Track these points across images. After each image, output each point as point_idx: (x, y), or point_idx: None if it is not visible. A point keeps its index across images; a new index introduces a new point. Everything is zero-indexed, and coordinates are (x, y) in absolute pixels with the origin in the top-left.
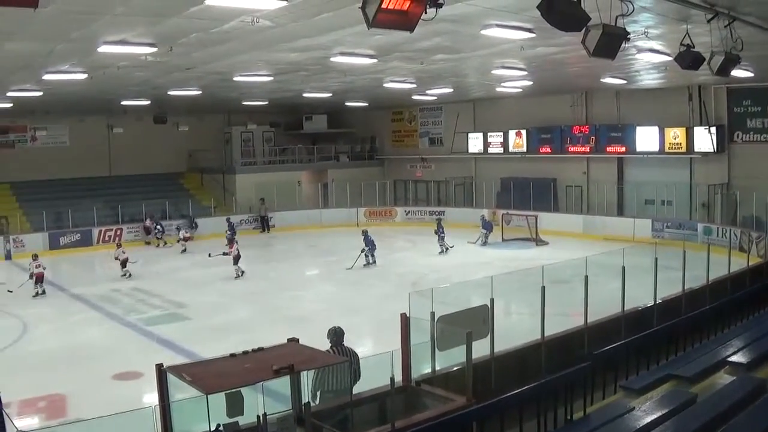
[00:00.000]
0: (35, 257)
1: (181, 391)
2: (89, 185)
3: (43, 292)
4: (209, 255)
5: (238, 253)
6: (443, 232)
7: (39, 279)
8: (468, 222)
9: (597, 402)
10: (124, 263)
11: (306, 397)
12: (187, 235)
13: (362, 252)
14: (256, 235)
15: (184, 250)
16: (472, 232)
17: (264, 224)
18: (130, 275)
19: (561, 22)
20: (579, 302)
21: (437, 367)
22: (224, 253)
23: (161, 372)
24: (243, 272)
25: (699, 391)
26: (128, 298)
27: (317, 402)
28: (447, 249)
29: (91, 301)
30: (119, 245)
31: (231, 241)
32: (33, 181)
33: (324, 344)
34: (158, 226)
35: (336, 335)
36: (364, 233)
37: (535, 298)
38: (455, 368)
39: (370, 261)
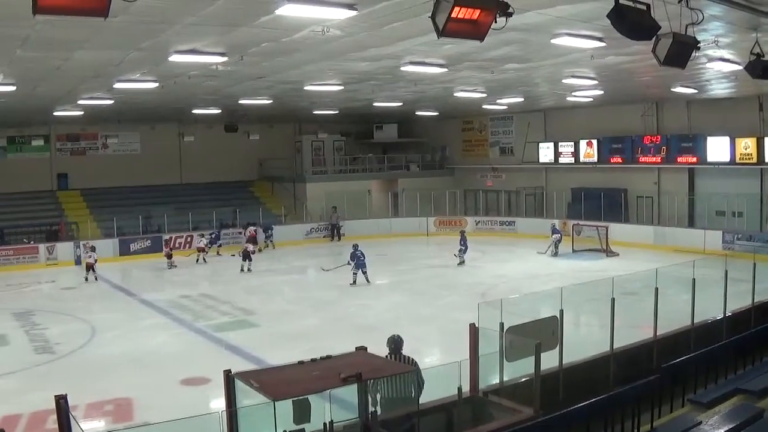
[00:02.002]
0: (93, 248)
1: (249, 398)
2: (160, 192)
3: (95, 279)
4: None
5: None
6: (465, 245)
7: (89, 267)
8: (538, 232)
9: (664, 415)
10: (169, 256)
11: (373, 405)
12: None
13: (348, 264)
14: (326, 243)
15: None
16: (543, 242)
17: (335, 232)
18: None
19: (631, 31)
20: (648, 314)
21: (505, 378)
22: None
23: (229, 378)
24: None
25: (766, 406)
26: (197, 304)
27: (378, 408)
28: (462, 261)
29: (160, 307)
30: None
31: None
32: (103, 188)
33: None
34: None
35: (395, 343)
36: (354, 247)
37: (604, 309)
38: (523, 379)
39: (359, 278)
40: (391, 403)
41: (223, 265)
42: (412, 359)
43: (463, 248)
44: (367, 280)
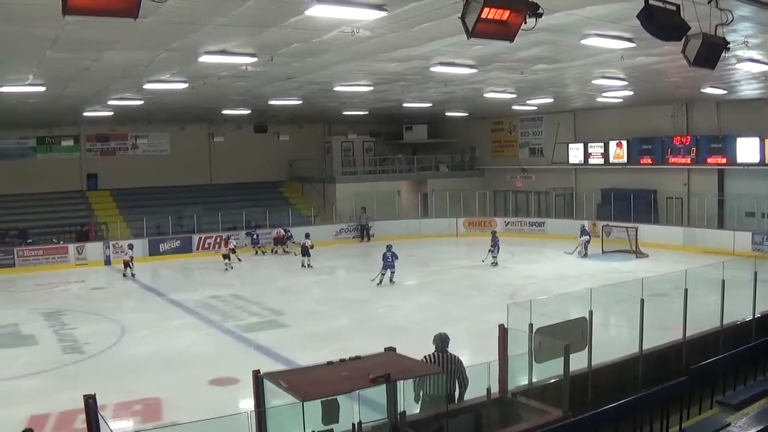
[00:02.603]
0: (130, 246)
1: (277, 398)
2: (190, 193)
3: (132, 275)
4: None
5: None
6: (496, 246)
7: (125, 264)
8: (568, 233)
9: (693, 417)
10: (226, 256)
11: (402, 406)
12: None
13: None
14: (355, 244)
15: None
16: (572, 243)
17: (364, 233)
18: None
19: (661, 32)
20: (678, 316)
21: (534, 379)
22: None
23: (258, 378)
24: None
25: None
26: (226, 304)
27: (418, 403)
28: (494, 263)
29: (189, 307)
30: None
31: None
32: (133, 188)
33: (421, 353)
34: (254, 235)
35: (441, 341)
36: (388, 248)
37: (633, 311)
38: (552, 380)
39: (383, 279)
40: (434, 401)
41: (254, 265)
42: (458, 357)
43: (495, 248)
44: (391, 281)
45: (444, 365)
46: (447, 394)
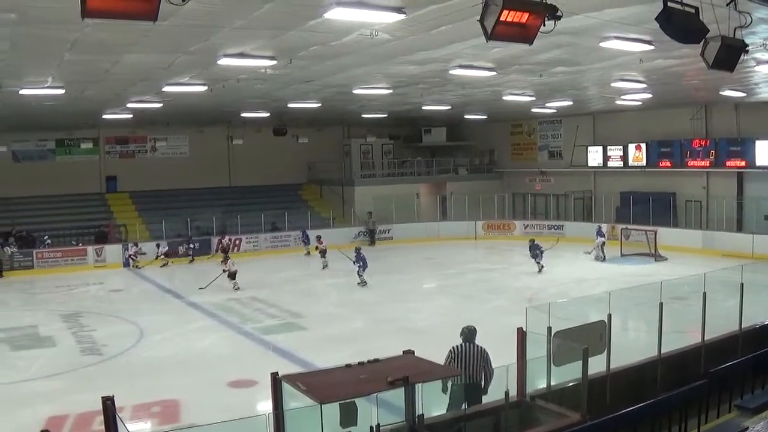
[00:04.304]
0: (158, 246)
1: (296, 400)
2: (209, 195)
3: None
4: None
5: (235, 267)
6: (538, 250)
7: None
8: (587, 236)
9: (711, 421)
10: (233, 275)
11: (420, 409)
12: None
13: (358, 269)
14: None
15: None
16: (592, 245)
17: (371, 237)
18: (239, 288)
19: (679, 34)
20: (696, 319)
21: (552, 383)
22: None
23: (276, 380)
24: (238, 287)
25: None
26: (245, 307)
27: (446, 393)
28: (541, 267)
29: (208, 310)
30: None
31: (226, 260)
32: (152, 191)
33: (439, 356)
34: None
35: (469, 333)
36: (357, 250)
37: (652, 314)
38: (570, 384)
39: (360, 281)
40: (455, 387)
41: (274, 267)
42: (484, 349)
43: (539, 253)
44: (362, 282)
45: (471, 356)
46: (475, 384)
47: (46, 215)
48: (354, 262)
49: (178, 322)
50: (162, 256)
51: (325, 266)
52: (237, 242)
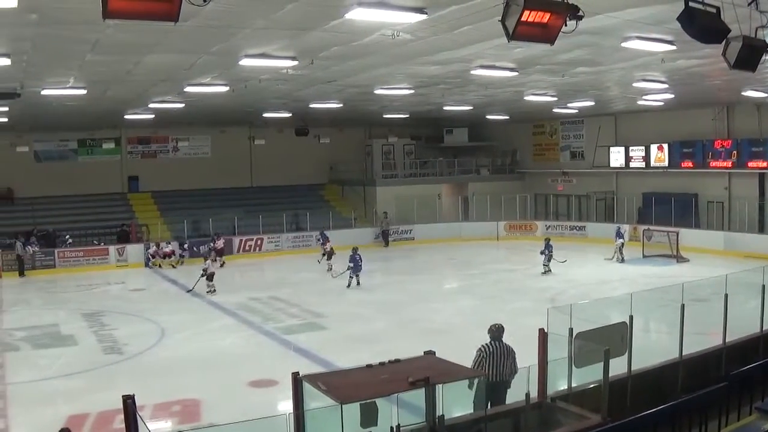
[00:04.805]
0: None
1: (316, 400)
2: (230, 195)
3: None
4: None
5: (213, 268)
6: (551, 252)
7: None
8: (609, 237)
9: (731, 423)
10: (210, 277)
11: (440, 409)
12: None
13: (348, 269)
14: (378, 249)
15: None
16: (612, 247)
17: (384, 238)
18: (214, 290)
19: (701, 34)
20: (718, 321)
21: (573, 384)
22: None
23: (297, 380)
24: (214, 290)
25: None
26: (266, 307)
27: (472, 390)
28: (548, 270)
29: (229, 309)
30: (214, 259)
31: (215, 260)
32: (174, 191)
33: (460, 357)
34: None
35: (497, 331)
36: (353, 250)
37: (674, 316)
38: (591, 386)
39: (353, 282)
40: (488, 388)
41: (293, 268)
42: (511, 347)
43: (548, 254)
44: (358, 283)
45: (501, 354)
46: (503, 381)
47: (67, 215)
48: (348, 267)
49: (199, 321)
50: (179, 257)
51: (330, 269)
52: (259, 242)
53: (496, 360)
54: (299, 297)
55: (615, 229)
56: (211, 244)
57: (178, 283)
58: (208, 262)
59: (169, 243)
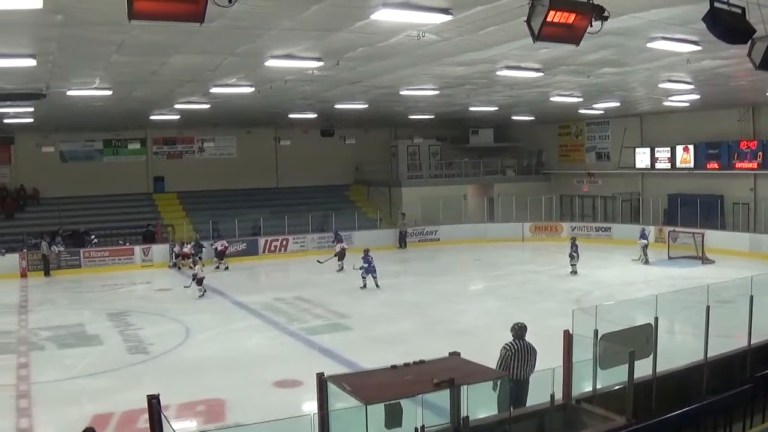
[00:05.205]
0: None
1: (341, 401)
2: (256, 196)
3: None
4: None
5: (203, 273)
6: (576, 253)
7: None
8: (634, 239)
9: (756, 426)
10: (200, 281)
11: (465, 411)
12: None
13: (360, 268)
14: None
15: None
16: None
17: (401, 240)
18: (204, 293)
19: (726, 35)
20: (743, 323)
21: (598, 386)
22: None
23: (322, 381)
24: (204, 294)
25: None
26: (291, 307)
27: (496, 391)
28: (575, 271)
29: (254, 309)
30: (195, 264)
31: (195, 262)
32: (200, 191)
33: (485, 358)
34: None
35: (520, 329)
36: (365, 252)
37: (699, 317)
38: (616, 387)
39: (372, 284)
40: (513, 387)
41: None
42: (533, 346)
43: (576, 255)
44: (377, 285)
45: (526, 352)
46: (525, 380)
47: (93, 215)
48: (361, 267)
49: (224, 321)
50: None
51: (341, 269)
52: (284, 243)
53: (520, 358)
54: (324, 297)
55: (639, 231)
56: (214, 247)
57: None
58: (197, 267)
59: (190, 244)
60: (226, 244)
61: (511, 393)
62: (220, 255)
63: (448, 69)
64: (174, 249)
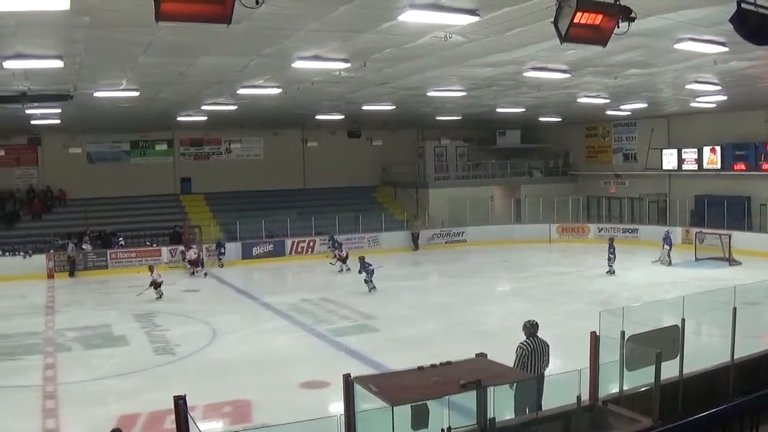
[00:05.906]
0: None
1: (367, 402)
2: (283, 197)
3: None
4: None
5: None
6: (614, 254)
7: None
8: (661, 240)
9: None
10: (157, 286)
11: (492, 412)
12: (343, 254)
13: (366, 279)
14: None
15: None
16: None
17: (414, 242)
18: (161, 296)
19: (753, 36)
20: None
21: (624, 387)
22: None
23: (348, 382)
24: (161, 296)
25: None
26: (318, 308)
27: (512, 388)
28: (611, 270)
29: (281, 310)
30: (152, 269)
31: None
32: (227, 192)
33: (511, 360)
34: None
35: (532, 327)
36: (360, 260)
37: (726, 319)
38: (642, 389)
39: (369, 287)
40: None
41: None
42: (545, 341)
43: (613, 256)
44: (374, 288)
45: (541, 350)
46: (541, 375)
47: (120, 216)
48: (359, 272)
49: (251, 322)
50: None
51: (341, 270)
52: (311, 244)
53: (536, 357)
54: (350, 299)
55: (662, 235)
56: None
57: (231, 284)
58: (155, 272)
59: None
60: (197, 252)
61: (530, 394)
62: (195, 263)
63: (475, 70)
64: (185, 256)
